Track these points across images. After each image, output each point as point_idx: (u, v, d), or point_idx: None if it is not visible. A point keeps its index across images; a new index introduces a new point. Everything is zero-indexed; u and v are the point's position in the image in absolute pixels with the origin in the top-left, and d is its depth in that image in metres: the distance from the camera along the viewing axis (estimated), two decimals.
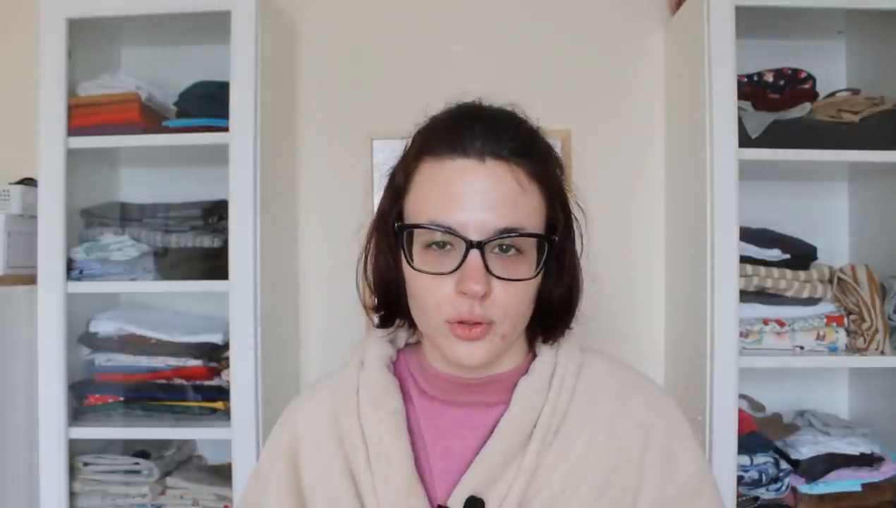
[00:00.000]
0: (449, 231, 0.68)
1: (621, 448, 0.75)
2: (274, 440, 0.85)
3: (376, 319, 0.83)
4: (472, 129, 0.70)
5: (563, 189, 0.77)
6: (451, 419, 0.78)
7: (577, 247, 0.79)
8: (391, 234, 0.75)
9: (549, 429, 0.74)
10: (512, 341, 0.75)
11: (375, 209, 0.80)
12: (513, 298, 0.70)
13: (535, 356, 0.80)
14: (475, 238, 0.67)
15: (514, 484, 0.72)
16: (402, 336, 0.86)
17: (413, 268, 0.71)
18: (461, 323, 0.69)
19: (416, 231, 0.71)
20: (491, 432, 0.75)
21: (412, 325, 0.83)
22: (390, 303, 0.80)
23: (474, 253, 0.67)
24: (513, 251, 0.69)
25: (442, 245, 0.70)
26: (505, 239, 0.68)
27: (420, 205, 0.71)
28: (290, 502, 0.80)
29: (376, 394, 0.78)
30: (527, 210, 0.70)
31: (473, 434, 0.76)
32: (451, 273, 0.68)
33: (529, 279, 0.70)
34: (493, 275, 0.68)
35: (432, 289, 0.70)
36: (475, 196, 0.68)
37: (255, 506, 0.83)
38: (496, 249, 0.69)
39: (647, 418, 0.77)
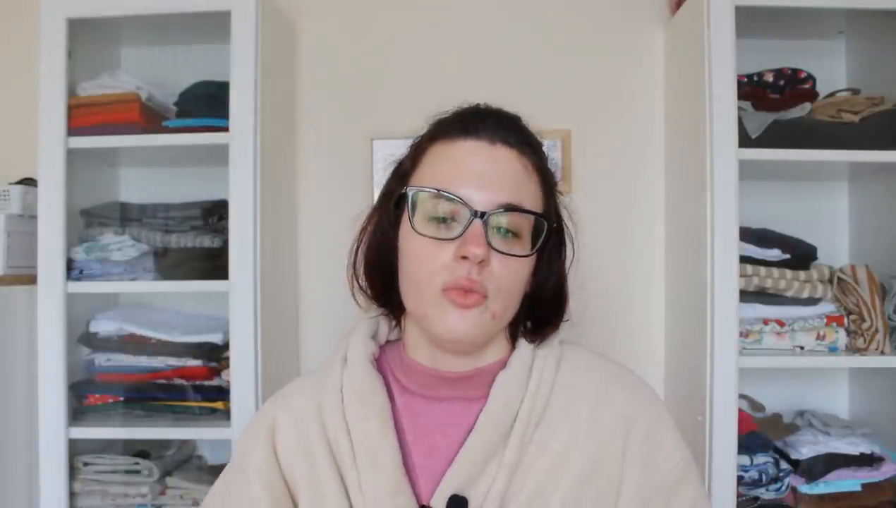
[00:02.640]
0: (456, 197, 0.71)
1: (603, 440, 0.75)
2: (250, 434, 0.83)
3: (366, 296, 0.83)
4: (484, 119, 0.76)
5: (557, 197, 0.80)
6: (433, 415, 0.78)
7: (569, 255, 0.82)
8: (392, 212, 0.78)
9: (530, 422, 0.75)
10: (500, 326, 0.76)
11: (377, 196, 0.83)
12: (510, 274, 0.73)
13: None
14: (481, 209, 0.71)
15: (497, 480, 0.72)
16: (383, 332, 0.87)
17: (416, 232, 0.73)
18: (456, 290, 0.71)
19: (421, 203, 0.73)
20: (472, 428, 0.75)
21: (396, 317, 0.84)
22: (381, 284, 0.82)
23: (477, 222, 0.71)
24: (511, 235, 0.73)
25: (444, 219, 0.72)
26: (508, 212, 0.72)
27: (428, 179, 0.75)
28: (279, 486, 0.79)
29: (361, 391, 0.78)
30: (529, 196, 0.74)
31: (456, 431, 0.76)
32: (453, 239, 0.71)
33: (525, 257, 0.73)
34: (492, 248, 0.71)
35: (431, 256, 0.72)
36: (483, 173, 0.73)
37: (237, 498, 0.80)
38: (496, 230, 0.72)
39: (629, 409, 0.78)
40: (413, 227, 0.73)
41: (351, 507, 0.75)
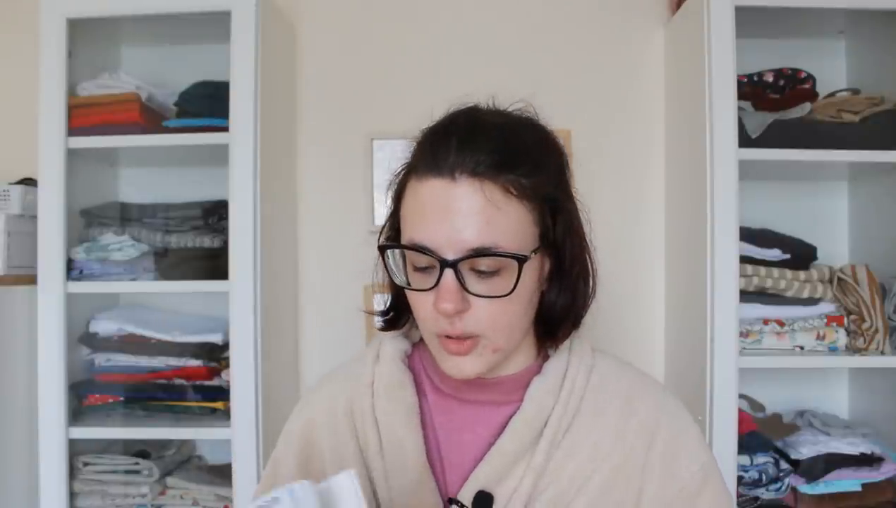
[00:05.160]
0: (424, 250, 0.69)
1: (626, 449, 0.76)
2: (288, 431, 0.87)
3: (380, 321, 0.83)
4: (447, 144, 0.70)
5: (563, 194, 0.76)
6: (463, 415, 0.79)
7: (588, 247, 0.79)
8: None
9: (560, 429, 0.75)
10: (509, 351, 0.76)
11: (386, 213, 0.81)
12: (498, 312, 0.70)
13: (546, 356, 0.81)
14: (450, 257, 0.68)
15: (523, 481, 0.73)
16: (417, 332, 0.87)
17: (396, 284, 0.74)
18: (448, 336, 0.71)
19: (406, 252, 0.73)
20: (501, 429, 0.76)
21: None
22: (400, 306, 0.82)
23: (448, 272, 0.68)
24: (490, 274, 0.69)
25: (425, 268, 0.71)
26: (476, 257, 0.68)
27: (404, 224, 0.73)
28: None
29: (391, 387, 0.80)
30: (504, 226, 0.69)
31: (485, 431, 0.77)
32: (429, 290, 0.70)
33: (504, 296, 0.69)
34: (470, 293, 0.69)
35: (421, 304, 0.72)
36: (447, 216, 0.68)
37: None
38: (473, 272, 0.69)
39: (653, 418, 0.78)
40: (395, 280, 0.74)
41: (376, 500, 0.77)
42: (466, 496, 0.74)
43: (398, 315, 0.83)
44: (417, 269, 0.72)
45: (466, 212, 0.68)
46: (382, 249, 0.74)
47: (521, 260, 0.69)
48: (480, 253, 0.68)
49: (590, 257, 0.79)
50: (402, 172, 0.75)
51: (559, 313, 0.77)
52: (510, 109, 0.78)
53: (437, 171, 0.69)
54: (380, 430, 0.78)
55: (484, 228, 0.68)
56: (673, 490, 0.75)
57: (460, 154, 0.69)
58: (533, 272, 0.72)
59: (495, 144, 0.70)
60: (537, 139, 0.76)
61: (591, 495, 0.73)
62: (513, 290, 0.69)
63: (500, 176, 0.69)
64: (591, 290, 0.80)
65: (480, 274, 0.69)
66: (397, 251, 0.74)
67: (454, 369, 0.73)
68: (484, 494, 0.73)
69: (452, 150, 0.69)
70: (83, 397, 1.65)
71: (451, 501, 0.74)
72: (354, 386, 0.82)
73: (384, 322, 0.84)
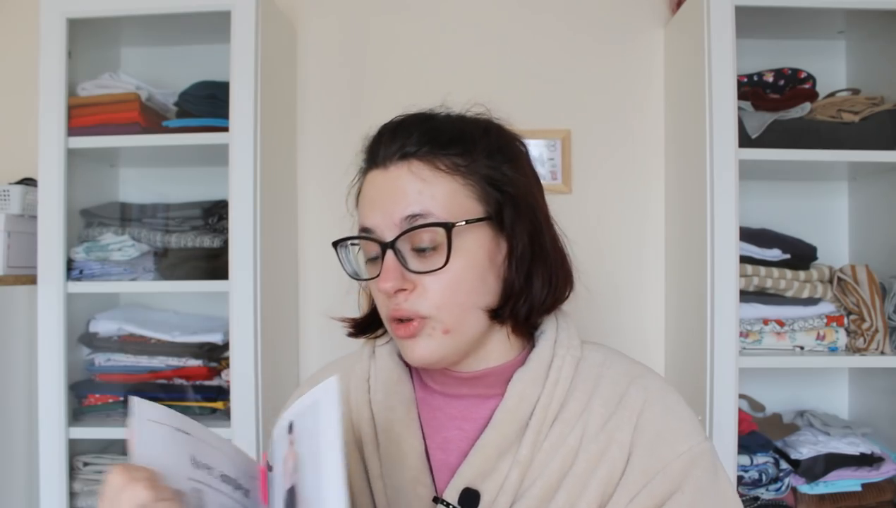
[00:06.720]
0: (366, 236, 0.73)
1: (610, 437, 0.73)
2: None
3: (348, 329, 0.85)
4: (380, 140, 0.75)
5: (509, 178, 0.74)
6: (450, 411, 0.78)
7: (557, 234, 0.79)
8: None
9: (545, 420, 0.73)
10: (467, 336, 0.74)
11: None
12: (445, 289, 0.71)
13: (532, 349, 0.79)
14: (387, 238, 0.71)
15: (510, 476, 0.72)
16: None
17: (350, 276, 0.78)
18: (397, 321, 0.73)
19: (361, 245, 0.76)
20: (487, 424, 0.75)
21: None
22: (373, 318, 0.84)
23: (389, 253, 0.71)
24: (430, 250, 0.71)
25: (375, 257, 0.74)
26: (410, 231, 0.70)
27: (359, 218, 0.77)
28: None
29: (389, 382, 0.80)
30: (434, 196, 0.71)
31: (471, 426, 0.76)
32: (376, 278, 0.72)
33: (440, 269, 0.70)
34: (409, 270, 0.71)
35: (374, 292, 0.75)
36: (381, 200, 0.73)
37: None
38: (413, 248, 0.72)
39: (639, 401, 0.75)
40: (346, 271, 0.77)
41: (371, 494, 0.77)
42: (452, 494, 0.72)
43: (369, 324, 0.84)
44: (369, 260, 0.75)
45: (396, 191, 0.72)
46: (335, 245, 0.77)
47: (449, 226, 0.70)
48: (412, 220, 0.70)
49: (555, 243, 0.78)
50: (357, 181, 0.80)
51: (515, 292, 0.75)
52: (466, 113, 0.80)
53: (374, 163, 0.75)
54: (376, 426, 0.78)
55: (414, 197, 0.71)
56: (656, 465, 0.71)
57: (388, 145, 0.74)
58: (478, 249, 0.73)
59: (421, 130, 0.74)
60: (475, 127, 0.77)
61: (570, 485, 0.71)
62: (447, 261, 0.70)
63: (428, 155, 0.72)
64: (560, 278, 0.78)
65: (420, 252, 0.71)
66: (360, 251, 0.77)
67: (409, 353, 0.73)
68: (470, 491, 0.72)
69: (384, 143, 0.74)
70: (83, 397, 1.65)
71: (437, 500, 0.73)
72: (350, 381, 0.82)
73: (352, 327, 0.85)
